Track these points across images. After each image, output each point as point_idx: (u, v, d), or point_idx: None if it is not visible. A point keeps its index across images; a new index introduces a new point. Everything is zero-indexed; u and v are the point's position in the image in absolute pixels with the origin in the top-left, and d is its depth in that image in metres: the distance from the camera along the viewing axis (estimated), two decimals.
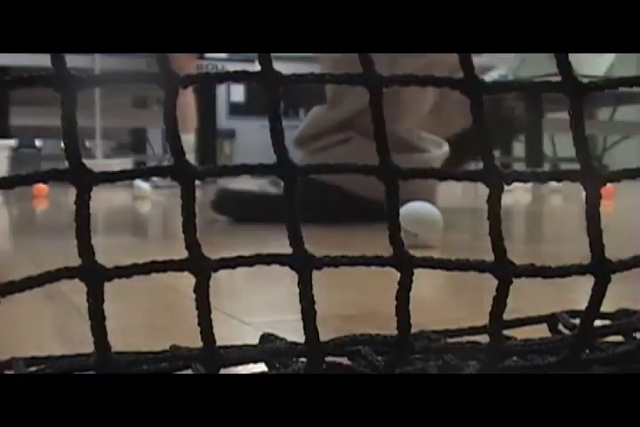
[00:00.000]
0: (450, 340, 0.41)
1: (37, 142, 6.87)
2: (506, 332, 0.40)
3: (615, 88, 0.34)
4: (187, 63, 3.63)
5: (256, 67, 0.32)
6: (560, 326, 0.45)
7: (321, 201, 1.48)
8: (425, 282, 0.72)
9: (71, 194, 0.30)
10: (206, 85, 3.54)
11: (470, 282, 0.74)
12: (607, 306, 0.36)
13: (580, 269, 0.33)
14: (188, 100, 3.81)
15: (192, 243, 0.31)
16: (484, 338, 0.36)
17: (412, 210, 1.04)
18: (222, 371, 0.33)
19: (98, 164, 3.72)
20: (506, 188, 0.33)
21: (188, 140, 3.89)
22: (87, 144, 6.49)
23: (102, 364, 0.31)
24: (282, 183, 0.32)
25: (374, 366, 0.35)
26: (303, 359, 0.35)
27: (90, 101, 3.91)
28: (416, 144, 1.55)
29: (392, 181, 0.32)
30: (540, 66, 2.29)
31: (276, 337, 0.40)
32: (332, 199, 1.50)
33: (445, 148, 1.61)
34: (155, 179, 3.36)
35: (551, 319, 0.45)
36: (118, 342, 0.36)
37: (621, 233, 1.26)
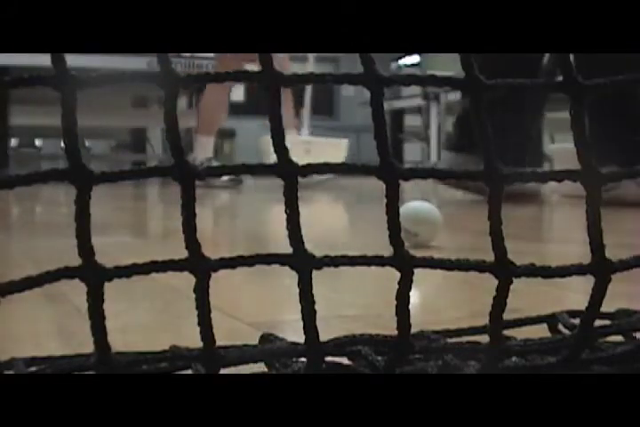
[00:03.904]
0: (450, 340, 0.41)
1: (37, 142, 6.87)
2: (506, 332, 0.40)
3: (616, 88, 0.34)
4: (285, 64, 3.56)
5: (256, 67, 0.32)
6: (560, 326, 0.45)
7: None
8: (425, 282, 0.72)
9: (71, 194, 0.30)
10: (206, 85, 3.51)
11: (470, 282, 0.74)
12: (607, 306, 0.36)
13: (580, 270, 0.33)
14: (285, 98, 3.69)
15: (192, 243, 0.31)
16: (484, 338, 0.36)
17: (412, 210, 1.04)
18: (222, 371, 0.33)
19: (300, 141, 3.51)
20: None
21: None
22: (87, 144, 6.50)
23: (102, 364, 0.31)
24: None
25: (374, 366, 0.35)
26: (303, 359, 0.35)
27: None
28: None
29: (392, 181, 0.32)
30: None
31: (276, 337, 0.40)
32: None
33: None
34: None
35: (551, 319, 0.45)
36: (118, 342, 0.36)
37: (622, 233, 1.26)
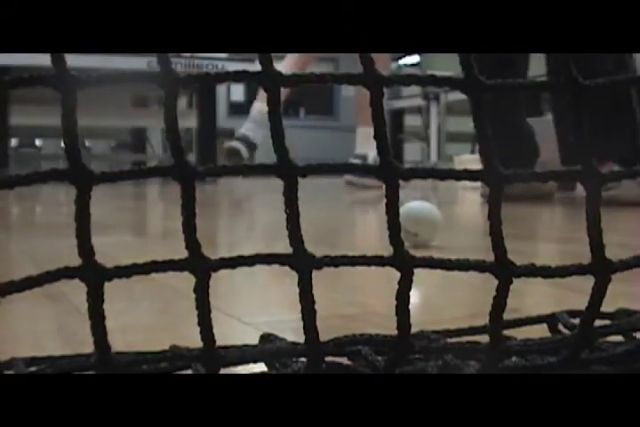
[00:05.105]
0: (450, 340, 0.41)
1: (37, 142, 6.88)
2: (506, 332, 0.40)
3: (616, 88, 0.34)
4: (385, 62, 3.52)
5: (256, 67, 0.32)
6: (560, 326, 0.45)
7: None
8: (425, 282, 0.72)
9: (71, 194, 0.30)
10: (206, 85, 3.50)
11: (470, 282, 0.74)
12: (607, 306, 0.36)
13: (580, 270, 0.33)
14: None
15: (192, 243, 0.31)
16: (484, 338, 0.36)
17: (412, 210, 1.04)
18: (222, 371, 0.33)
19: None
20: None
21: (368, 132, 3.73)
22: (87, 144, 6.49)
23: (102, 364, 0.31)
24: None
25: (374, 366, 0.35)
26: (303, 359, 0.35)
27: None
28: None
29: (392, 181, 0.32)
30: (540, 66, 2.29)
31: (276, 337, 0.40)
32: None
33: None
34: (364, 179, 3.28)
35: (551, 319, 0.45)
36: (118, 342, 0.36)
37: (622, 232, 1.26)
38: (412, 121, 6.20)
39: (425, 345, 0.37)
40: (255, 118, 3.63)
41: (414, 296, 0.32)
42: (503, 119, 2.11)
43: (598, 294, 0.33)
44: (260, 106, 3.68)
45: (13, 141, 5.83)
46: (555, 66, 2.21)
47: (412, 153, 6.19)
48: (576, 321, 0.43)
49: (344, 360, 0.37)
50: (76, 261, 0.30)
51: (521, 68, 2.30)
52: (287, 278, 0.35)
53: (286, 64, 3.53)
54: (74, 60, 0.36)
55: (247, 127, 3.60)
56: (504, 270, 0.32)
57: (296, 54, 3.47)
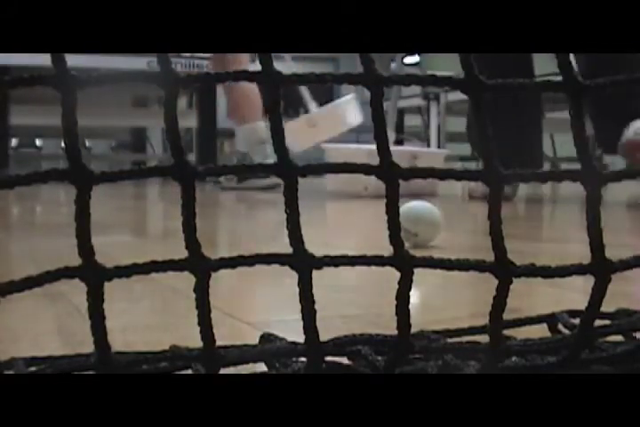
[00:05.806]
0: (450, 340, 0.41)
1: (37, 142, 6.88)
2: (506, 332, 0.40)
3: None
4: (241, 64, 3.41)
5: (256, 67, 0.32)
6: (560, 326, 0.45)
7: None
8: (425, 282, 0.72)
9: (71, 194, 0.30)
10: (206, 85, 3.45)
11: (470, 282, 0.74)
12: (607, 306, 0.36)
13: (580, 270, 0.33)
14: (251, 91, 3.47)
15: (192, 243, 0.31)
16: (484, 338, 0.36)
17: (412, 210, 1.04)
18: (222, 371, 0.33)
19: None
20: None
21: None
22: (87, 144, 6.49)
23: (102, 364, 0.31)
24: None
25: (374, 366, 0.35)
26: (303, 359, 0.35)
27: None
28: None
29: (392, 181, 0.32)
30: (539, 66, 2.29)
31: (276, 337, 0.40)
32: None
33: None
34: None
35: (551, 319, 0.45)
36: (118, 342, 0.36)
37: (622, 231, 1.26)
38: (411, 121, 6.18)
39: (425, 345, 0.37)
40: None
41: (414, 296, 0.32)
42: (504, 120, 2.10)
43: (598, 294, 0.33)
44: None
45: (13, 141, 5.83)
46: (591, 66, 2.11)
47: None
48: (576, 321, 0.43)
49: (344, 360, 0.37)
50: (76, 261, 0.30)
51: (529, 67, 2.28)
52: (287, 278, 0.35)
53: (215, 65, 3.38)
54: (74, 60, 0.36)
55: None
56: (504, 270, 0.32)
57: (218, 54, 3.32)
